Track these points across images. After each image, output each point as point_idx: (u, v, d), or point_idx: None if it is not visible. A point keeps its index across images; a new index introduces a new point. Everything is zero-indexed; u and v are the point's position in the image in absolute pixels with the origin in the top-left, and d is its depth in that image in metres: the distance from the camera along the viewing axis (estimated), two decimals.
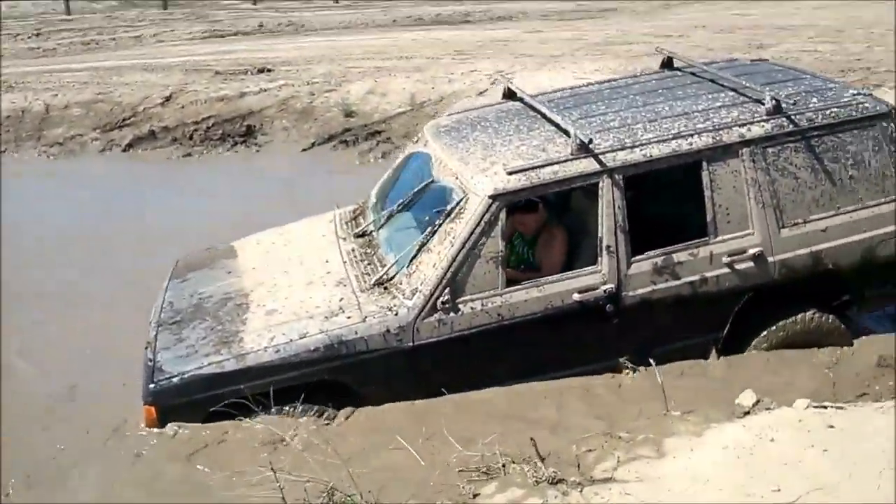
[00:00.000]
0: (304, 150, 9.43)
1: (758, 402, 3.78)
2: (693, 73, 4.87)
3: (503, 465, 3.42)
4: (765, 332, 4.32)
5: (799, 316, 4.32)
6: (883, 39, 11.67)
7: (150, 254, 6.57)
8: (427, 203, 4.33)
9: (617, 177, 3.99)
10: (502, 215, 3.93)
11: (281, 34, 15.61)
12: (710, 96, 4.43)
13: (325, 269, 4.42)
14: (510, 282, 4.03)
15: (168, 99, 10.38)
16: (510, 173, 3.95)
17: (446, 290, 3.91)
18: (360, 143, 9.39)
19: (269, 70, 11.26)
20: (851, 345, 4.42)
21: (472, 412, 4.01)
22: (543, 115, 4.41)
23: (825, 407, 3.47)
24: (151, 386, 3.88)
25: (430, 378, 4.03)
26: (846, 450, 3.07)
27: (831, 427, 3.25)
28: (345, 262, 4.43)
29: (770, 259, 4.17)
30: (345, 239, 4.70)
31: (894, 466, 2.87)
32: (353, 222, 4.89)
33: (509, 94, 4.98)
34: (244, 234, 5.28)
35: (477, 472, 3.45)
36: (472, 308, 3.95)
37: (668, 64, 5.12)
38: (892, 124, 4.28)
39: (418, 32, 14.49)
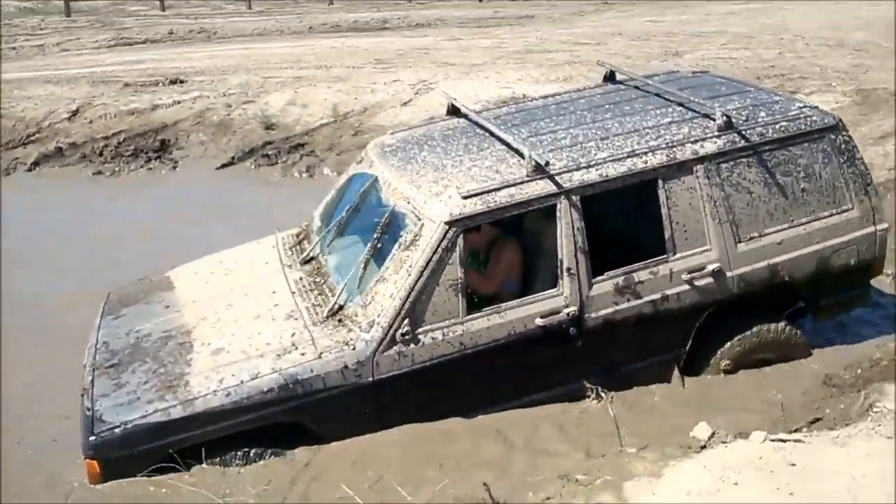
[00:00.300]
0: (223, 165, 8.98)
1: (713, 434, 3.73)
2: (636, 87, 4.84)
3: None
4: (726, 346, 4.34)
5: (758, 328, 4.36)
6: (793, 45, 12.08)
7: (63, 284, 6.17)
8: (376, 228, 4.15)
9: (574, 198, 3.93)
10: (460, 241, 3.80)
11: (192, 42, 15.07)
12: (658, 112, 4.41)
13: (273, 301, 4.17)
14: (470, 306, 3.90)
15: (75, 113, 9.79)
16: (465, 197, 3.82)
17: (405, 321, 3.75)
18: (282, 157, 9.02)
19: (181, 81, 10.80)
20: (810, 355, 4.52)
21: (419, 451, 3.84)
22: (492, 134, 4.31)
23: (783, 441, 3.42)
24: (92, 438, 3.57)
25: (393, 413, 3.88)
26: (810, 491, 3.01)
27: (793, 465, 3.20)
28: (293, 293, 4.19)
29: (728, 274, 4.18)
30: (290, 266, 4.45)
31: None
32: (298, 247, 4.64)
33: (454, 111, 4.83)
34: (162, 260, 4.95)
35: None
36: (432, 338, 3.82)
37: (610, 77, 5.07)
38: (840, 136, 4.36)
39: (336, 40, 14.21)
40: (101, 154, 9.19)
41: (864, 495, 2.94)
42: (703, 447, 3.61)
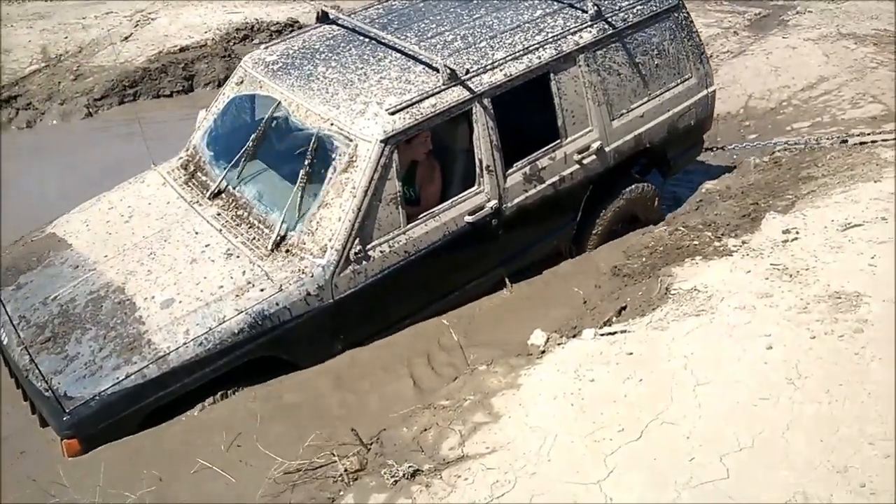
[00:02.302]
0: None
1: (548, 339, 4.04)
2: None
3: (345, 472, 3.28)
4: (604, 212, 4.95)
5: (629, 189, 5.00)
6: None
7: None
8: (294, 152, 4.22)
9: (486, 100, 4.17)
10: (395, 156, 3.94)
11: None
12: (528, 4, 4.73)
13: (202, 242, 4.09)
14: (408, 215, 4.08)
15: None
16: (392, 113, 3.94)
17: (356, 241, 3.89)
18: None
19: None
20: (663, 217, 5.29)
21: (271, 407, 3.81)
22: (382, 42, 4.44)
23: (612, 333, 3.81)
24: (66, 417, 3.47)
25: (355, 327, 4.08)
26: (656, 374, 3.42)
27: (630, 354, 3.58)
28: (220, 230, 4.13)
29: (607, 149, 4.73)
30: (199, 203, 4.33)
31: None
32: (194, 181, 4.49)
33: (324, 18, 4.85)
34: None
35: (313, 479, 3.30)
36: (380, 252, 4.01)
37: None
38: (681, 13, 4.97)
39: None
40: None
41: (699, 370, 3.41)
42: (543, 352, 3.92)
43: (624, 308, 4.29)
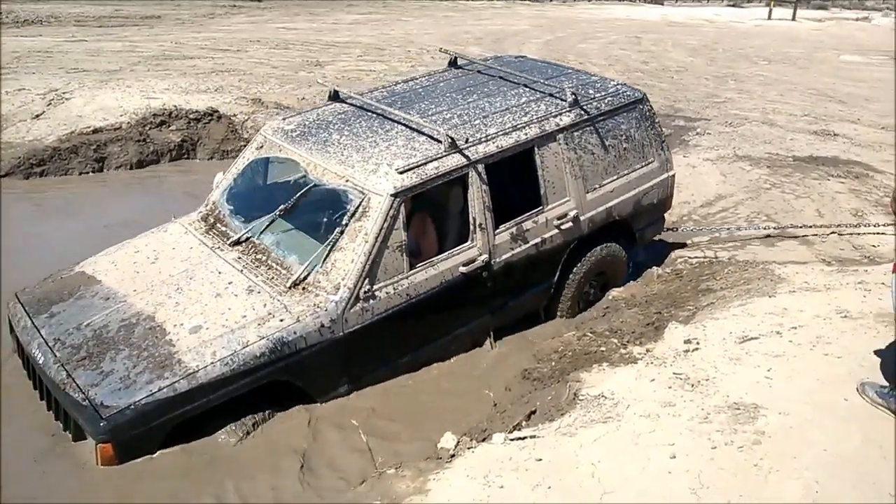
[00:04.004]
0: None
1: (458, 442, 4.01)
2: (479, 72, 5.88)
3: None
4: (581, 268, 5.51)
5: (600, 247, 5.59)
6: (420, 58, 13.09)
7: None
8: (310, 206, 4.71)
9: (480, 167, 4.78)
10: (402, 209, 4.48)
11: None
12: (514, 92, 5.46)
13: (225, 280, 4.55)
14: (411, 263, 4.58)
15: None
16: (401, 172, 4.50)
17: (366, 281, 4.39)
18: None
19: None
20: (630, 270, 5.93)
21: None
22: (388, 118, 5.05)
23: (522, 438, 3.82)
24: (103, 423, 3.81)
25: (361, 360, 4.54)
26: (564, 482, 3.42)
27: (539, 461, 3.58)
28: (241, 271, 4.60)
29: (582, 217, 5.37)
30: (221, 249, 4.81)
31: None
32: (214, 231, 4.98)
33: (335, 96, 5.51)
34: None
35: None
36: (386, 293, 4.50)
37: (453, 63, 6.11)
38: (645, 106, 5.72)
39: None
40: None
41: (606, 479, 3.43)
42: (453, 456, 3.89)
43: (534, 412, 4.32)
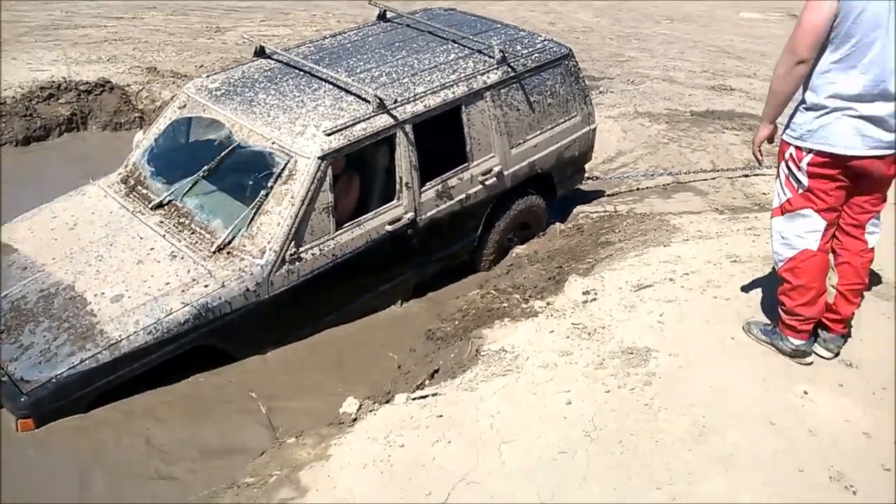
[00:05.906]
0: None
1: (360, 406, 4.01)
2: (408, 26, 5.88)
3: None
4: (502, 221, 5.68)
5: (521, 200, 5.75)
6: (326, 22, 12.79)
7: None
8: (234, 167, 4.64)
9: (407, 127, 4.82)
10: (329, 171, 4.49)
11: None
12: (442, 49, 5.49)
13: (147, 246, 4.49)
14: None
15: None
16: (328, 134, 4.51)
17: (292, 244, 4.39)
18: None
19: None
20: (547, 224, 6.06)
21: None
22: (315, 75, 5.02)
23: (423, 397, 3.84)
24: (24, 398, 3.76)
25: (287, 321, 4.57)
26: (464, 435, 3.46)
27: (440, 417, 3.60)
28: (163, 236, 4.53)
29: (506, 172, 5.49)
30: (142, 213, 4.72)
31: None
32: (134, 194, 4.87)
33: (260, 52, 5.43)
34: None
35: None
36: (312, 254, 4.53)
37: (382, 16, 6.10)
38: (571, 62, 5.81)
39: None
40: None
41: (504, 428, 3.48)
42: (355, 420, 3.88)
43: (437, 371, 4.35)
